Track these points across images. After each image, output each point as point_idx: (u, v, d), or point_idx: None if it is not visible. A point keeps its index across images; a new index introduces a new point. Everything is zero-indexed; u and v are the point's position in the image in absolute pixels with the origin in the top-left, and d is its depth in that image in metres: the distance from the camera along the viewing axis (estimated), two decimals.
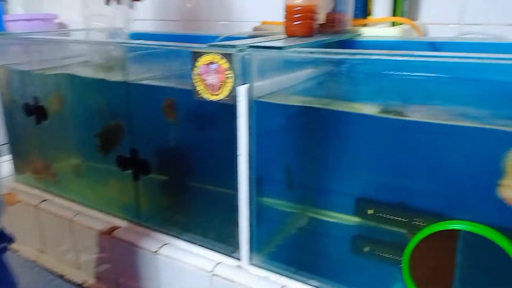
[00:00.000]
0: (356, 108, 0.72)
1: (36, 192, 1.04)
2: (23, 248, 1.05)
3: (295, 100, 0.74)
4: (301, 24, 0.75)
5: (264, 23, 1.03)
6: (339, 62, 0.64)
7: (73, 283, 0.93)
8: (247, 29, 1.15)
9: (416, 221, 0.79)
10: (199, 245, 0.79)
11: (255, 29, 1.02)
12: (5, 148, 1.41)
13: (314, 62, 0.70)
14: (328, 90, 0.74)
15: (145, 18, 1.37)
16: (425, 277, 0.59)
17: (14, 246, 1.06)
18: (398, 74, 0.66)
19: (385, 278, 0.72)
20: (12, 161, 1.12)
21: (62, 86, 0.95)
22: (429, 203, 0.73)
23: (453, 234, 0.56)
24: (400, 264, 0.63)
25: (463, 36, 0.90)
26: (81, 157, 1.02)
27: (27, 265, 1.01)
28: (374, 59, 0.62)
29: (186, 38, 1.10)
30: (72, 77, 0.96)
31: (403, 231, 0.79)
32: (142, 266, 0.82)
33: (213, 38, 0.99)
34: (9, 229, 1.08)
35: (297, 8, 0.75)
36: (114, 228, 0.86)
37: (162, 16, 1.35)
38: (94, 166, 0.97)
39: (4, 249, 0.63)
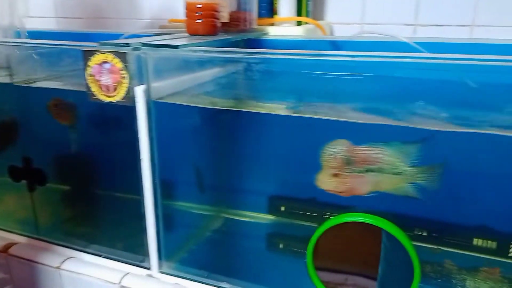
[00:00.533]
0: (262, 107, 0.72)
1: None
2: None
3: (200, 101, 0.72)
4: (203, 23, 0.74)
5: (171, 20, 1.00)
6: (238, 61, 0.63)
7: None
8: (156, 27, 1.11)
9: (326, 214, 0.81)
10: (105, 257, 0.74)
11: (162, 27, 0.99)
12: None
13: (215, 62, 0.69)
14: (233, 90, 0.73)
15: (44, 15, 1.26)
16: (328, 270, 0.61)
17: None
18: (299, 72, 0.67)
19: (300, 273, 0.74)
20: None
21: None
22: (339, 197, 0.76)
23: (351, 227, 0.58)
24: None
25: (361, 35, 0.94)
26: None
27: None
28: (270, 58, 0.62)
29: (90, 37, 1.03)
30: None
31: (315, 225, 0.82)
32: (44, 283, 0.75)
33: (118, 36, 0.94)
34: None
35: (198, 6, 0.73)
36: (10, 245, 0.78)
37: (64, 14, 1.26)
38: None
39: None
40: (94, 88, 0.65)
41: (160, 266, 0.71)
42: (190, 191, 0.81)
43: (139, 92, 0.63)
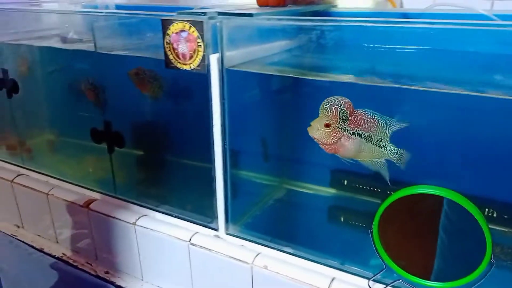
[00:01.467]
0: (329, 77, 0.72)
1: (11, 167, 1.02)
2: (1, 224, 1.04)
3: (270, 70, 0.73)
4: None
5: None
6: (310, 31, 0.63)
7: (52, 256, 0.93)
8: (222, 2, 1.13)
9: (390, 190, 0.81)
10: (176, 216, 0.79)
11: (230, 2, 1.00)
12: None
13: (286, 33, 0.69)
14: (302, 60, 0.73)
15: None
16: (394, 243, 0.61)
17: None
18: (371, 46, 0.66)
19: (358, 245, 0.74)
20: None
21: (32, 58, 0.93)
22: (403, 172, 0.74)
23: (420, 199, 0.57)
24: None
25: (435, 8, 0.89)
26: (55, 132, 1.01)
27: (6, 239, 1.01)
28: (345, 26, 0.61)
29: (165, 10, 1.07)
30: (42, 49, 0.93)
31: (378, 201, 0.81)
32: (120, 238, 0.82)
33: (188, 9, 0.97)
34: None
35: None
36: (90, 201, 0.86)
37: None
38: (68, 141, 0.96)
39: None
40: (171, 56, 0.68)
41: (226, 228, 0.74)
42: (255, 161, 0.84)
43: (214, 60, 0.65)
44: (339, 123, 0.61)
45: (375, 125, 0.62)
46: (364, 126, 0.62)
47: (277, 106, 0.81)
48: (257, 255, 0.69)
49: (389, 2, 0.94)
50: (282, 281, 0.65)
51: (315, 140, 0.62)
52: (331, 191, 0.84)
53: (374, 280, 0.63)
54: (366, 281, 0.63)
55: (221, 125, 0.69)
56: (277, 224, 0.81)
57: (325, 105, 0.60)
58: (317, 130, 0.61)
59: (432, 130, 0.69)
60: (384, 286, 0.62)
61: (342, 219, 0.82)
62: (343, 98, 0.61)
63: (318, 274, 0.65)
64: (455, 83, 0.63)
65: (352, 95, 0.75)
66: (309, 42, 0.68)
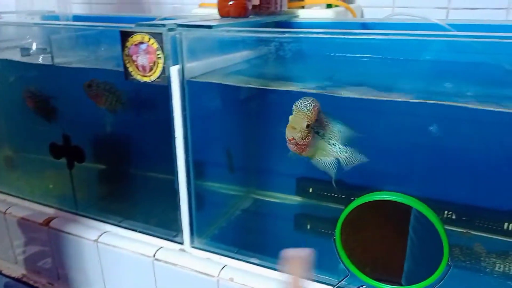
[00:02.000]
0: (290, 86, 0.73)
1: None
2: None
3: (231, 81, 0.73)
4: (234, 4, 0.75)
5: (202, 5, 1.01)
6: (270, 42, 0.64)
7: (11, 278, 0.89)
8: (186, 12, 1.12)
9: (354, 196, 0.82)
10: (140, 231, 0.78)
11: (194, 12, 1.00)
12: None
13: (247, 44, 0.70)
14: (263, 71, 0.74)
15: (82, 1, 1.30)
16: (357, 248, 0.62)
17: None
18: (330, 55, 0.68)
19: (324, 252, 0.75)
20: None
21: None
22: (366, 178, 0.76)
23: (382, 205, 0.58)
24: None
25: (392, 17, 0.93)
26: (12, 148, 0.97)
27: None
28: (303, 37, 0.62)
29: (124, 21, 1.06)
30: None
31: (342, 207, 0.82)
32: (82, 256, 0.80)
33: (150, 20, 0.96)
34: None
35: None
36: (50, 219, 0.83)
37: None
38: (27, 156, 0.92)
39: None
40: (131, 68, 0.67)
41: (192, 241, 0.73)
42: (220, 172, 0.83)
43: (174, 71, 0.64)
44: (314, 123, 0.62)
45: (329, 124, 0.65)
46: (323, 125, 0.64)
47: (240, 116, 0.81)
48: (223, 267, 0.68)
49: (350, 12, 0.97)
50: None
51: (290, 141, 0.62)
52: (298, 199, 0.85)
53: (338, 287, 0.63)
54: None
55: (183, 137, 0.68)
56: (243, 235, 0.81)
57: (305, 106, 0.61)
58: (298, 132, 0.61)
59: (389, 137, 0.71)
60: None
61: (308, 227, 0.82)
62: (314, 98, 0.63)
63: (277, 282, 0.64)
64: (410, 91, 0.65)
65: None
66: (269, 52, 0.69)
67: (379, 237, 0.65)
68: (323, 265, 0.70)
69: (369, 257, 0.64)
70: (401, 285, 0.60)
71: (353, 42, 0.64)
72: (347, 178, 0.82)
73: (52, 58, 0.76)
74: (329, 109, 0.74)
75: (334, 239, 0.61)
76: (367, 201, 0.58)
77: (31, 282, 0.87)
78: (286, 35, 0.61)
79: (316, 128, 0.64)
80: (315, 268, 0.68)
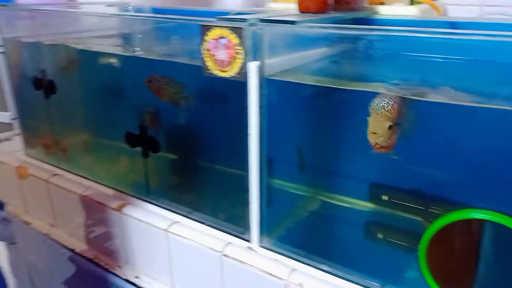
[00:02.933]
0: (372, 87, 0.69)
1: (47, 166, 1.04)
2: (35, 222, 1.06)
3: (309, 79, 0.70)
4: (314, 0, 0.71)
5: (276, 0, 0.98)
6: (353, 39, 0.60)
7: (84, 257, 0.94)
8: (260, 7, 1.10)
9: (433, 208, 0.76)
10: (208, 225, 0.78)
11: (268, 6, 0.98)
12: (16, 122, 1.41)
13: (327, 40, 0.66)
14: (342, 69, 0.70)
15: None
16: (442, 267, 0.57)
17: (27, 218, 1.07)
18: (416, 55, 0.62)
19: (399, 266, 0.71)
20: (22, 135, 1.12)
21: (70, 59, 0.93)
22: (448, 190, 0.70)
23: (475, 224, 0.53)
24: (416, 252, 0.61)
25: (484, 17, 0.84)
26: (90, 133, 1.01)
27: (40, 237, 1.02)
28: (391, 36, 0.58)
29: (197, 14, 1.06)
30: (80, 51, 0.94)
31: (419, 218, 0.77)
32: (152, 243, 0.82)
33: (224, 14, 0.95)
34: (22, 202, 1.09)
35: None
36: (123, 205, 0.86)
37: None
38: (103, 142, 0.96)
39: None
40: (209, 63, 0.67)
41: (260, 240, 0.72)
42: (290, 170, 0.81)
43: (253, 68, 0.63)
44: (396, 120, 0.58)
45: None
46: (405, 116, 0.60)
47: (315, 115, 0.78)
48: (292, 271, 0.66)
49: (434, 10, 0.90)
50: None
51: (375, 146, 0.58)
52: (369, 205, 0.81)
53: None
54: None
55: (258, 135, 0.67)
56: (312, 238, 0.78)
57: (382, 107, 0.57)
58: (381, 136, 0.57)
59: (480, 149, 0.65)
60: None
61: (381, 237, 0.78)
62: (392, 95, 0.58)
63: None
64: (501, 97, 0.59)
65: None
66: (350, 50, 0.65)
67: (464, 257, 0.60)
68: (398, 279, 0.66)
69: (451, 277, 0.59)
70: None
71: (444, 42, 0.58)
72: (425, 189, 0.76)
73: (134, 50, 0.78)
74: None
75: (418, 255, 0.57)
76: (461, 218, 0.53)
77: (101, 263, 0.91)
78: (375, 32, 0.56)
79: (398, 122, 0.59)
80: (391, 284, 0.64)
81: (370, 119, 0.58)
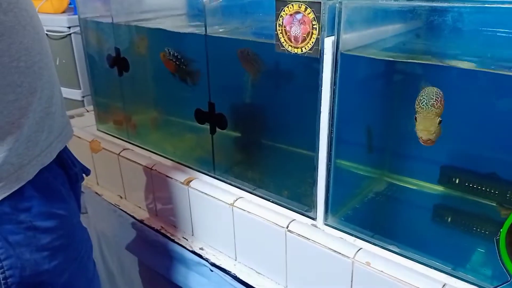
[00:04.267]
0: (453, 64, 0.66)
1: (117, 141, 1.10)
2: (106, 193, 1.12)
3: (385, 55, 0.69)
4: None
5: None
6: (435, 12, 0.57)
7: (151, 228, 0.99)
8: None
9: (508, 193, 0.72)
10: (273, 201, 0.79)
11: None
12: (87, 99, 1.50)
13: (408, 14, 0.64)
14: (423, 45, 0.68)
15: None
16: None
17: (98, 190, 1.14)
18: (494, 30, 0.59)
19: (470, 250, 0.68)
20: (94, 111, 1.19)
21: (143, 38, 0.97)
22: None
23: None
24: (489, 237, 0.58)
25: None
26: (159, 110, 1.06)
27: (110, 208, 1.09)
28: (487, 8, 0.54)
29: None
30: (153, 30, 0.97)
31: (492, 203, 0.74)
32: (217, 217, 0.84)
33: None
34: (93, 174, 1.16)
35: None
36: (191, 179, 0.89)
37: None
38: (172, 120, 1.00)
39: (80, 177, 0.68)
40: (282, 39, 0.67)
41: (325, 218, 0.72)
42: (357, 150, 0.80)
43: (328, 43, 0.62)
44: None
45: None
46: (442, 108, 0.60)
47: (387, 93, 0.76)
48: (358, 250, 0.66)
49: None
50: (386, 280, 0.61)
51: (426, 142, 0.59)
52: (439, 188, 0.78)
53: None
54: None
55: (329, 113, 0.66)
56: (378, 219, 0.77)
57: (432, 105, 0.58)
58: (433, 133, 0.58)
59: None
60: None
61: (451, 220, 0.76)
62: (436, 89, 0.59)
63: (427, 278, 0.60)
64: None
65: (475, 85, 0.68)
66: (431, 25, 0.62)
67: None
68: (470, 265, 0.64)
69: None
70: None
71: None
72: (501, 172, 0.73)
73: (206, 27, 0.79)
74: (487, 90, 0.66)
75: (497, 239, 0.55)
76: None
77: (168, 234, 0.96)
78: (468, 4, 0.53)
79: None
80: (462, 267, 0.62)
81: (421, 118, 0.59)
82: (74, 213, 0.65)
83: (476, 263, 0.64)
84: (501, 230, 0.54)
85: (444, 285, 0.59)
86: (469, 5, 0.54)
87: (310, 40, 0.64)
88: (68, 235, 0.61)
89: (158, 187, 0.96)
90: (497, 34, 0.59)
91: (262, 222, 0.76)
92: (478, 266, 0.64)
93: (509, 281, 0.55)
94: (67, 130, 0.63)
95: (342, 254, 0.66)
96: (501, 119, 0.68)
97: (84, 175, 0.70)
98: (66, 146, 0.63)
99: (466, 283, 0.60)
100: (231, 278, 0.82)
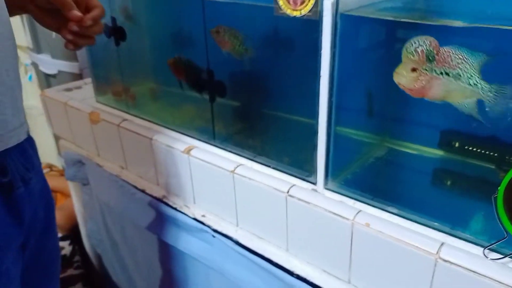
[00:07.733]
0: (456, 23, 0.65)
1: (117, 112, 1.10)
2: (107, 164, 1.13)
3: (387, 15, 0.67)
4: None
5: None
6: None
7: (153, 197, 1.00)
8: None
9: (510, 157, 0.73)
10: (273, 167, 0.80)
11: None
12: (85, 72, 1.49)
13: None
14: (424, 5, 0.66)
15: None
16: None
17: (99, 161, 1.15)
18: None
19: (468, 211, 0.69)
20: (93, 83, 1.18)
21: (137, 5, 0.95)
22: None
23: None
24: (488, 199, 0.59)
25: None
26: (158, 81, 1.05)
27: (112, 178, 1.10)
28: None
29: None
30: None
31: (492, 166, 0.74)
32: (218, 184, 0.85)
33: None
34: (94, 146, 1.16)
35: None
36: (191, 148, 0.89)
37: None
38: (170, 90, 0.99)
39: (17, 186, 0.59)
40: (281, 2, 0.66)
41: (325, 183, 0.73)
42: (356, 116, 0.80)
43: (327, 4, 0.61)
44: (425, 65, 0.59)
45: (464, 61, 0.58)
46: (451, 63, 0.58)
47: (387, 56, 0.75)
48: (358, 212, 0.67)
49: None
50: (385, 241, 0.63)
51: (400, 86, 0.61)
52: (438, 152, 0.78)
53: (490, 249, 0.58)
54: (479, 248, 0.59)
55: (329, 77, 0.66)
56: (378, 183, 0.78)
57: (409, 48, 0.58)
58: (403, 76, 0.59)
59: None
60: (502, 256, 0.57)
61: (450, 183, 0.76)
62: (428, 37, 0.58)
63: (425, 237, 0.61)
64: None
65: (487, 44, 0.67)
66: None
67: None
68: (468, 224, 0.65)
69: None
70: None
71: None
72: (501, 134, 0.73)
73: None
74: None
75: (495, 197, 0.55)
76: None
77: (170, 203, 0.97)
78: None
79: (437, 70, 0.59)
80: (460, 227, 0.63)
81: None
82: None
83: (474, 222, 0.65)
84: (499, 188, 0.55)
85: (442, 244, 0.60)
86: None
87: (309, 2, 0.63)
88: None
89: (158, 157, 0.96)
90: None
91: (262, 188, 0.77)
92: (476, 225, 0.65)
93: (505, 237, 0.56)
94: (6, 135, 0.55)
95: (342, 217, 0.67)
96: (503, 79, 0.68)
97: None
98: (7, 152, 0.56)
99: (464, 242, 0.61)
100: (233, 243, 0.84)
